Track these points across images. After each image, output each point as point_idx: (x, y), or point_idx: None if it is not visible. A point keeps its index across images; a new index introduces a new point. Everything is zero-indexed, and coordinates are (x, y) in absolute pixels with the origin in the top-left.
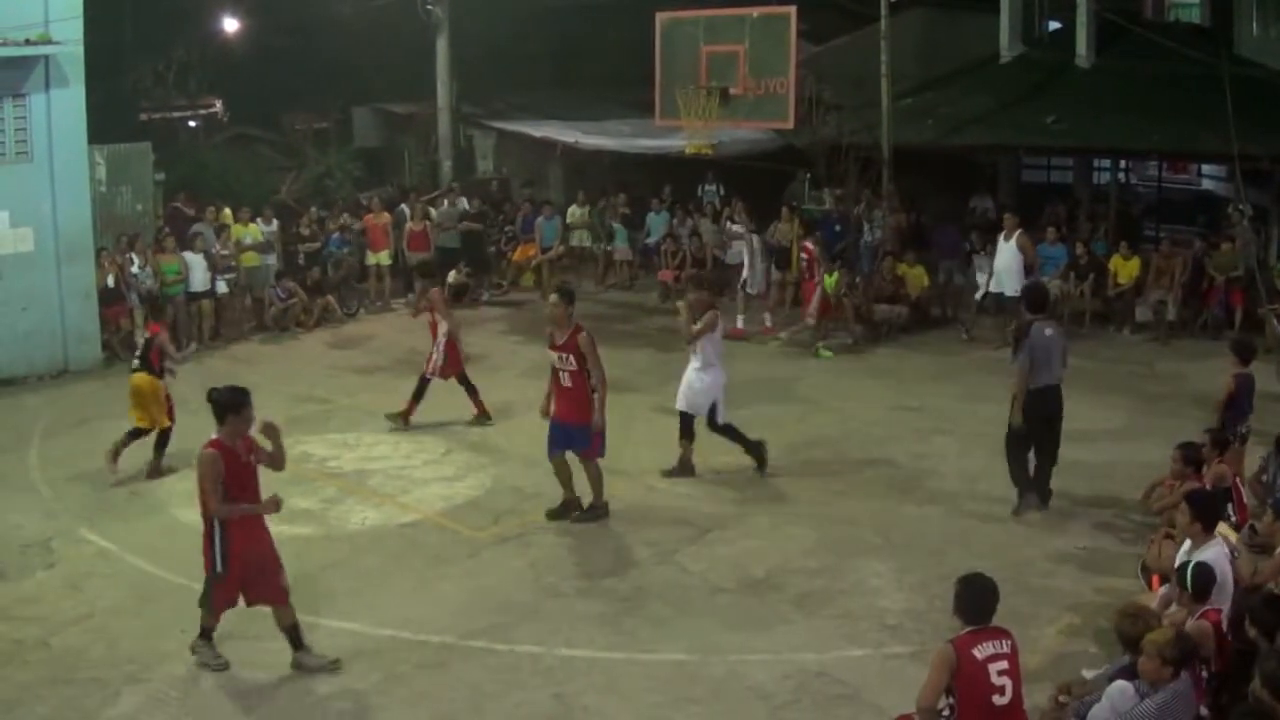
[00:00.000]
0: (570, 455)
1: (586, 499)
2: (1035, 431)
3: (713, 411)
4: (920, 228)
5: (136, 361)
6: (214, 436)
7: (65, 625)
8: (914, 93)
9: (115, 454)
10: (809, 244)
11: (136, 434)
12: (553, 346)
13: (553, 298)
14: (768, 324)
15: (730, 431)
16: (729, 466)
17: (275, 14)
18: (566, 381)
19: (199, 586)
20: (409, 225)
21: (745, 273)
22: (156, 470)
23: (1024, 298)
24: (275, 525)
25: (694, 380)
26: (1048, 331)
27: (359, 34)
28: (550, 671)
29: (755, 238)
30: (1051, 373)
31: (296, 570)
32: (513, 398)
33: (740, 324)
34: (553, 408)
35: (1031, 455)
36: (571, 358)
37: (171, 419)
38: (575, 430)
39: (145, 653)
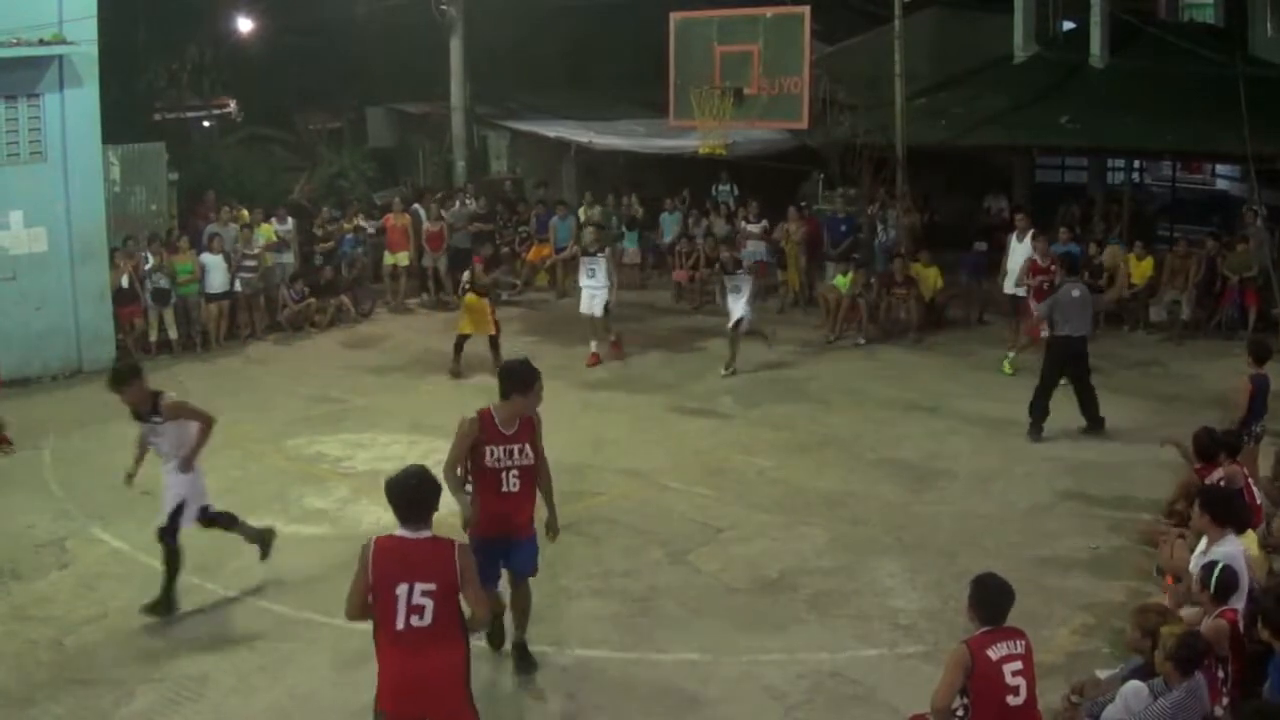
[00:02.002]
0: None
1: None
2: (1066, 370)
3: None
4: (934, 227)
5: (467, 286)
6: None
7: (79, 625)
8: (928, 92)
9: (457, 358)
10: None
11: (463, 340)
12: (496, 439)
13: (539, 384)
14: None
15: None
16: (743, 467)
17: (289, 14)
18: (513, 484)
19: (211, 586)
20: (426, 225)
21: (743, 311)
22: (456, 373)
23: (1060, 262)
24: (288, 525)
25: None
26: (1075, 293)
27: (373, 34)
28: (564, 671)
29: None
30: (1073, 326)
31: (309, 570)
32: None
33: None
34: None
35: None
36: (528, 448)
37: (497, 330)
38: (524, 544)
39: (159, 652)
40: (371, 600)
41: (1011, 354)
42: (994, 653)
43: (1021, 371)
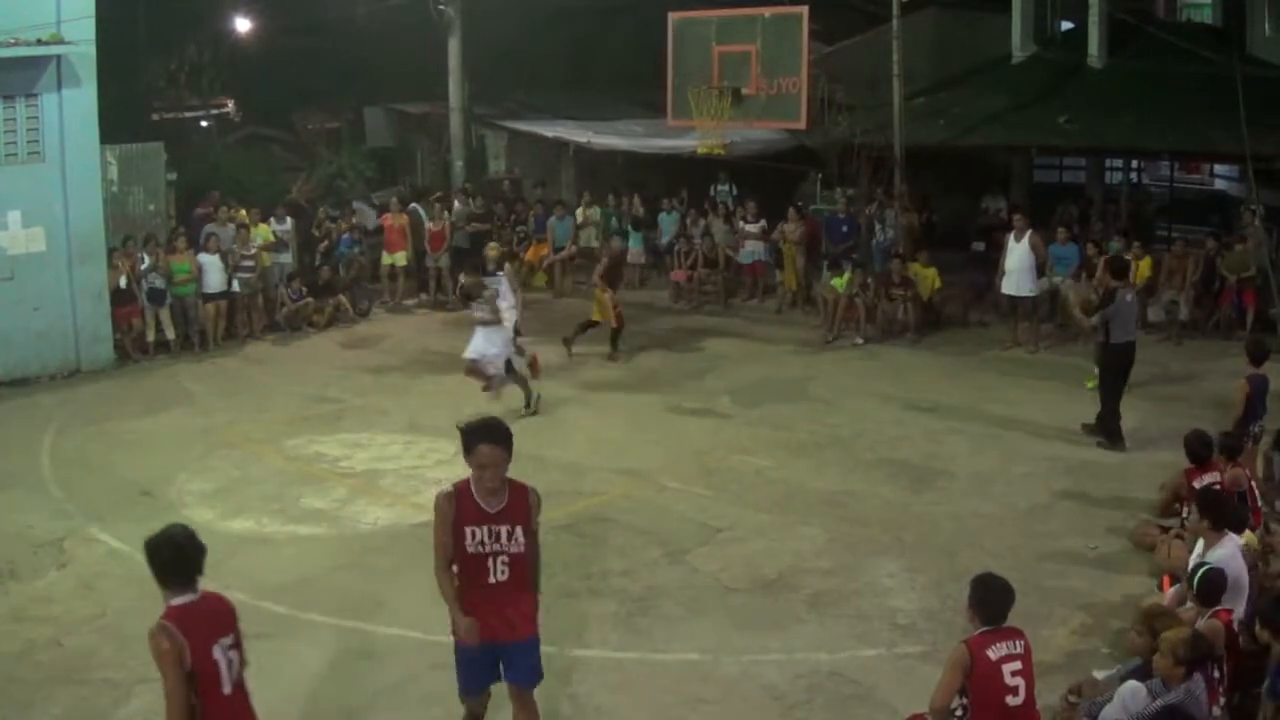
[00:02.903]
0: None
1: None
2: (1120, 379)
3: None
4: (932, 227)
5: (599, 280)
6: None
7: (77, 625)
8: (926, 93)
9: (572, 340)
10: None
11: (589, 325)
12: (477, 519)
13: (485, 448)
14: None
15: None
16: (742, 467)
17: (288, 14)
18: (502, 573)
19: (210, 586)
20: (429, 225)
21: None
22: (614, 357)
23: (1108, 266)
24: (286, 525)
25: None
26: (1128, 297)
27: (371, 34)
28: (563, 672)
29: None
30: (1128, 331)
31: (308, 570)
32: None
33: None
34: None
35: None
36: (519, 531)
37: (619, 323)
38: (523, 648)
39: None
40: (194, 670)
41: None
42: (993, 653)
43: (1026, 376)
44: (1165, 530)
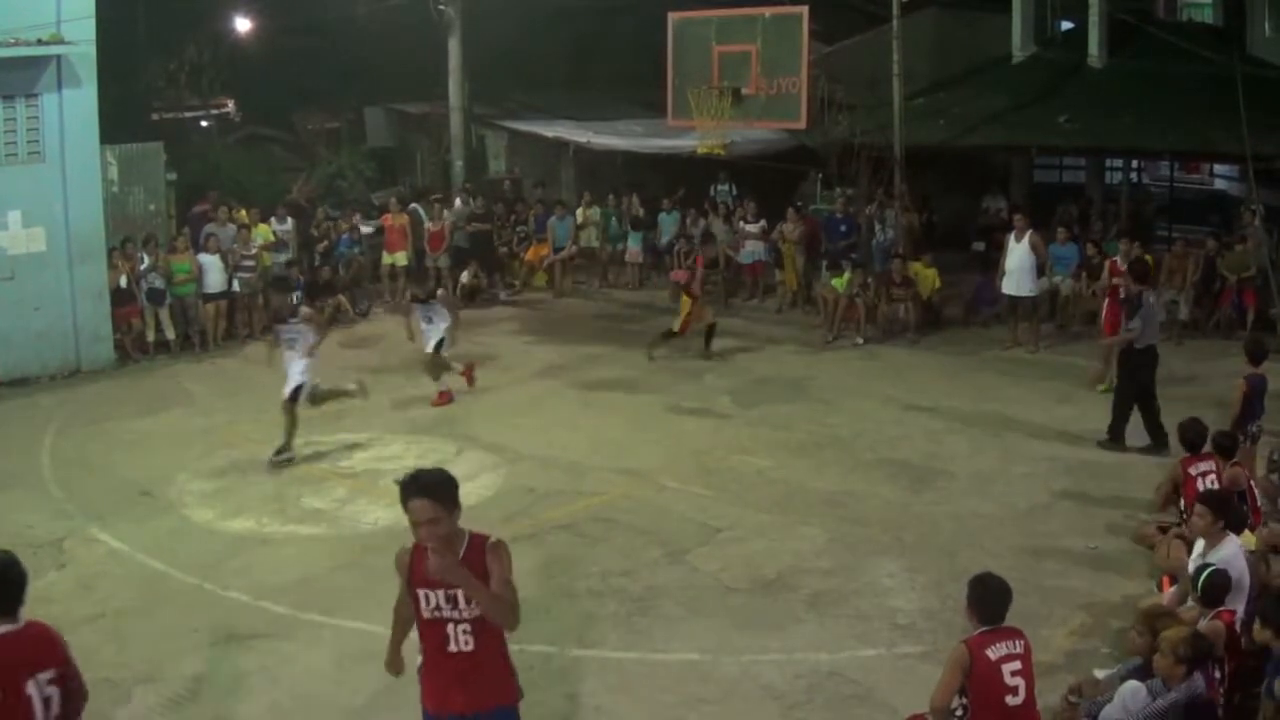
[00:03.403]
0: None
1: None
2: (1148, 384)
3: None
4: (932, 227)
5: (691, 286)
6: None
7: (77, 625)
8: (926, 93)
9: (658, 342)
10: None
11: (670, 335)
12: (429, 582)
13: (416, 503)
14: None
15: None
16: (742, 467)
17: (288, 14)
18: (465, 642)
19: (210, 586)
20: (428, 225)
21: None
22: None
23: (1131, 270)
24: (285, 525)
25: None
26: (1151, 299)
27: (371, 34)
28: (562, 672)
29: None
30: (1154, 335)
31: (308, 570)
32: (525, 398)
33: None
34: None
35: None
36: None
37: (682, 332)
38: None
39: (157, 653)
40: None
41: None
42: (993, 652)
43: (1026, 376)
44: (1165, 530)
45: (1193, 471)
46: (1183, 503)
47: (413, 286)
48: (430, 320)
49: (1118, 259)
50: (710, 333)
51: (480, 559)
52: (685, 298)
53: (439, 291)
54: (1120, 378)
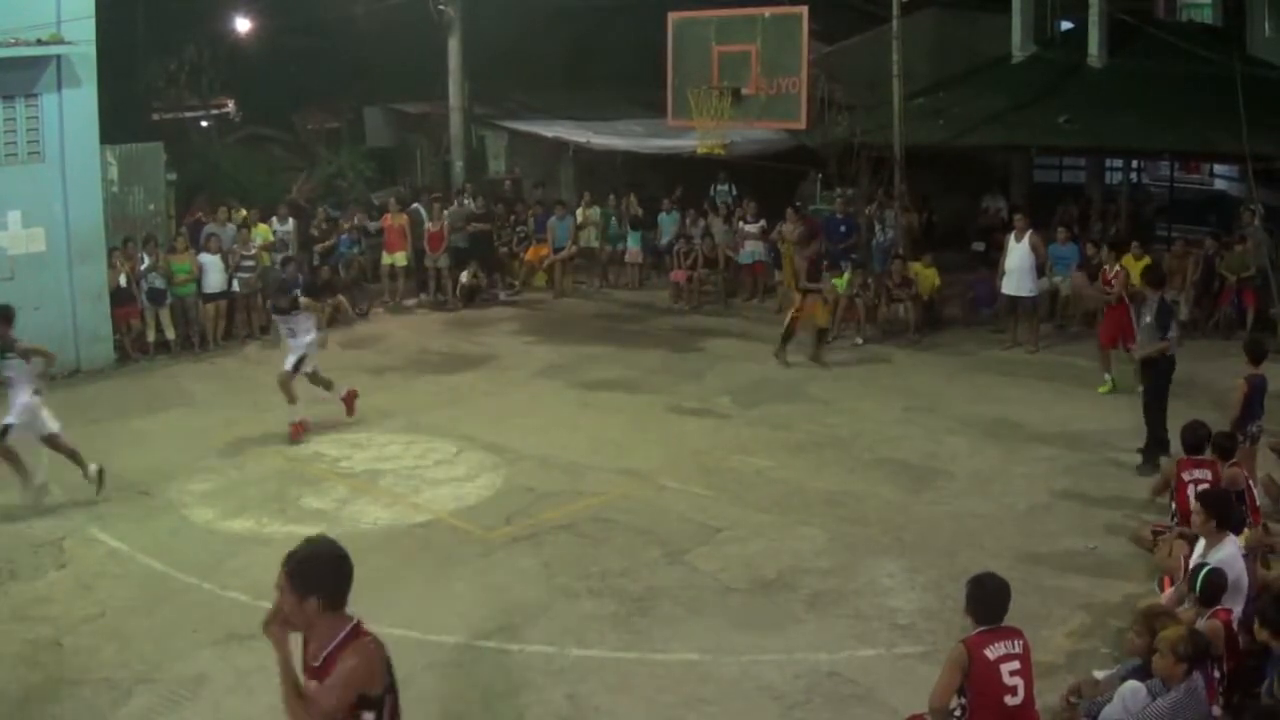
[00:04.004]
0: None
1: None
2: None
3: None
4: (931, 227)
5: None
6: None
7: (77, 625)
8: (926, 93)
9: (783, 348)
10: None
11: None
12: (305, 671)
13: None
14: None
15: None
16: (741, 467)
17: (287, 14)
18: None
19: (209, 586)
20: (428, 225)
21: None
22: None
23: (1146, 276)
24: (286, 525)
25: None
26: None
27: (371, 34)
28: (562, 672)
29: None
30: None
31: None
32: (524, 398)
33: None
34: None
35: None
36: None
37: (793, 328)
38: None
39: (157, 652)
40: None
41: (1108, 376)
42: (991, 652)
43: (1025, 376)
44: (1160, 534)
45: (1185, 477)
46: (1173, 505)
47: (274, 296)
48: (293, 334)
49: (1106, 268)
50: (821, 338)
51: (332, 666)
52: (797, 292)
53: (302, 301)
54: (1149, 391)
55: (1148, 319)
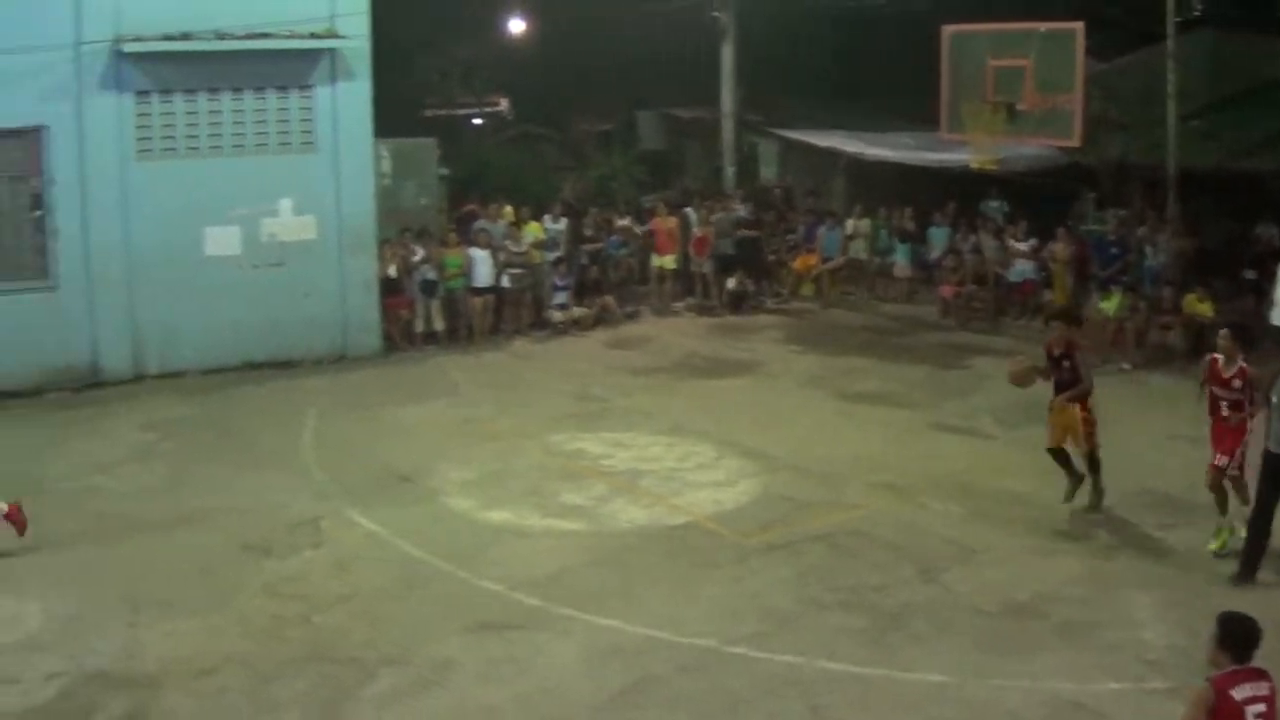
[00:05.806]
0: None
1: None
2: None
3: None
4: (1201, 253)
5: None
6: None
7: (329, 604)
8: (1200, 114)
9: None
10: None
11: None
12: None
13: None
14: None
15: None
16: (1001, 489)
17: (560, 17)
18: None
19: (464, 574)
20: (695, 230)
21: None
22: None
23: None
24: (545, 519)
25: None
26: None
27: (644, 39)
28: (808, 683)
29: None
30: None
31: (563, 564)
32: (787, 406)
33: None
34: None
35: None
36: None
37: (1090, 444)
38: None
39: (406, 636)
40: None
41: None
42: (1238, 693)
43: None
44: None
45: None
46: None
47: None
48: None
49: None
50: (1094, 466)
51: None
52: (1057, 401)
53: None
54: (1263, 492)
55: None
